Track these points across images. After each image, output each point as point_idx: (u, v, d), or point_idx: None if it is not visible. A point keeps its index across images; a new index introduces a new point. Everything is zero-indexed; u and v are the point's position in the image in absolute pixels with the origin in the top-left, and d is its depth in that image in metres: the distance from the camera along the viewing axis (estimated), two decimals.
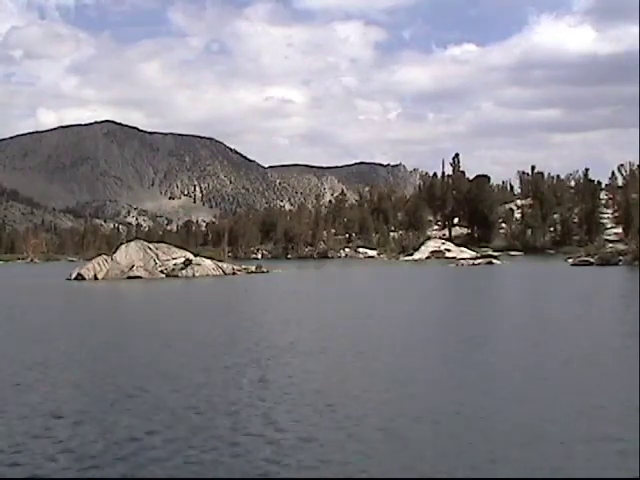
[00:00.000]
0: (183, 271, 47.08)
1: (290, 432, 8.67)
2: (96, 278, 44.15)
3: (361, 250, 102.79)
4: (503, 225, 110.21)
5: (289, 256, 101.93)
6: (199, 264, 48.72)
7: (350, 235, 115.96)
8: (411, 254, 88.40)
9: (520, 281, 43.91)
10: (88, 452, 7.99)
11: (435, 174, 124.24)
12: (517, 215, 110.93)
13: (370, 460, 7.66)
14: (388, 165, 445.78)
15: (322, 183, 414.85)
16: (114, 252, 48.71)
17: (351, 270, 62.12)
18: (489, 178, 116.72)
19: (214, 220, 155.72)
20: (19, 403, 10.39)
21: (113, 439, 8.47)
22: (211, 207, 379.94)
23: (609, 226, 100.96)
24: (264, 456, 7.79)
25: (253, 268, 53.39)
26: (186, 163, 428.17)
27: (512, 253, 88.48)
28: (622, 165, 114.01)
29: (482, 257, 75.39)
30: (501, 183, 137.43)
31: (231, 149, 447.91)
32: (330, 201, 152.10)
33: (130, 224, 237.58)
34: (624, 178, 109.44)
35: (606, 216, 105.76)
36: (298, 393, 10.83)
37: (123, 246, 49.51)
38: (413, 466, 7.49)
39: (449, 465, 7.53)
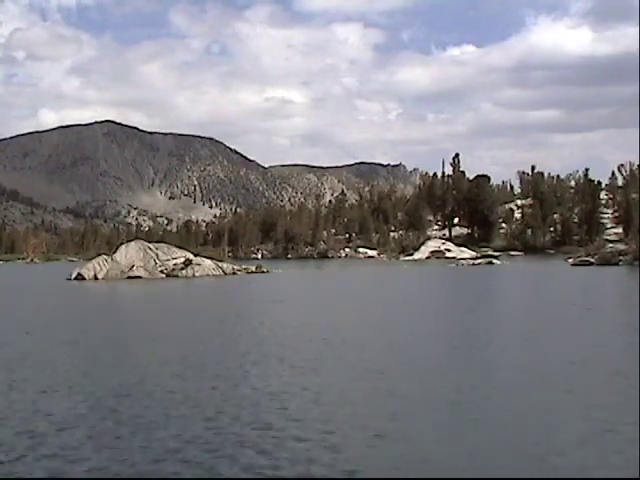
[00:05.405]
0: (183, 271, 47.05)
1: (288, 432, 8.67)
2: (96, 278, 44.13)
3: (361, 250, 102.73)
4: (503, 225, 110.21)
5: (289, 256, 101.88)
6: (199, 264, 48.68)
7: (350, 235, 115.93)
8: (411, 254, 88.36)
9: (520, 281, 43.88)
10: (88, 454, 8.00)
11: (435, 174, 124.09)
12: (517, 215, 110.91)
13: (370, 460, 7.66)
14: (388, 165, 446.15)
15: (322, 183, 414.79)
16: (114, 252, 48.68)
17: (351, 270, 62.09)
18: (489, 178, 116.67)
19: (214, 220, 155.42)
20: (21, 403, 10.40)
21: (112, 440, 8.48)
22: (211, 207, 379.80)
23: (609, 226, 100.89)
24: (265, 457, 7.80)
25: (253, 268, 53.34)
26: (186, 163, 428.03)
27: (512, 253, 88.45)
28: (622, 165, 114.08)
29: (482, 257, 75.40)
30: (501, 183, 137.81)
31: (231, 149, 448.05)
32: (330, 201, 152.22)
33: (130, 224, 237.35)
34: (624, 178, 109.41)
35: (606, 216, 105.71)
36: (299, 392, 10.83)
37: (123, 246, 49.44)
38: (414, 466, 7.50)
39: (450, 465, 7.54)
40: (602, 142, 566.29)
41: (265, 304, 28.10)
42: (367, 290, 37.43)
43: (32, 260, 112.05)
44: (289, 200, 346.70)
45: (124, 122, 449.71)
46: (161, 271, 46.74)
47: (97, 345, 16.54)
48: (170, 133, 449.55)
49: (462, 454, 7.85)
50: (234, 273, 49.95)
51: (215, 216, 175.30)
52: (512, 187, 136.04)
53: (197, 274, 47.08)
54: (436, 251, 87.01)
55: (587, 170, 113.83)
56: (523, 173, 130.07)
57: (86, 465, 7.57)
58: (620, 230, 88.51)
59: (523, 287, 38.75)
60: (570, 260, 60.38)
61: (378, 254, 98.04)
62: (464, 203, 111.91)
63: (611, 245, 69.02)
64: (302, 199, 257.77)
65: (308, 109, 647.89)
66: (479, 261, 67.70)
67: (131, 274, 45.14)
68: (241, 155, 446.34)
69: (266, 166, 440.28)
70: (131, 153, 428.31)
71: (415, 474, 7.26)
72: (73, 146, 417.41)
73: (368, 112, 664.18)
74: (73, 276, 45.00)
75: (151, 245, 50.25)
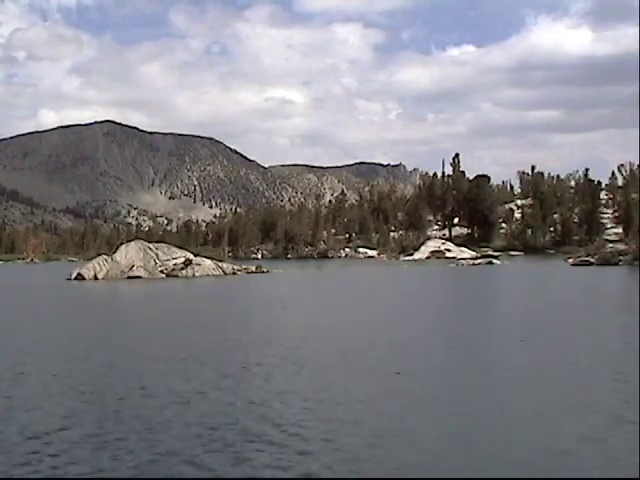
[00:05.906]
0: (183, 271, 47.05)
1: (289, 433, 8.67)
2: (96, 278, 44.14)
3: (361, 250, 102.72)
4: (503, 225, 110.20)
5: (289, 256, 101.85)
6: (199, 264, 48.69)
7: (350, 235, 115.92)
8: (411, 254, 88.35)
9: (520, 281, 43.88)
10: (88, 454, 8.00)
11: (435, 174, 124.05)
12: (517, 215, 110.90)
13: (370, 460, 7.66)
14: (388, 165, 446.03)
15: (322, 183, 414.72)
16: (114, 252, 48.70)
17: (351, 270, 62.08)
18: (489, 178, 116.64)
19: (214, 220, 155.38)
20: (22, 403, 10.40)
21: (113, 440, 8.48)
22: (211, 207, 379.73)
23: (609, 226, 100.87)
24: (266, 457, 7.80)
25: (253, 268, 53.35)
26: (186, 163, 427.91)
27: (512, 253, 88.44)
28: (622, 165, 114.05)
29: (482, 257, 75.40)
30: (501, 183, 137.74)
31: (231, 149, 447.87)
32: (330, 201, 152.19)
33: (130, 224, 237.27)
34: (624, 178, 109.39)
35: (606, 216, 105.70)
36: (298, 392, 10.84)
37: (123, 246, 49.46)
38: (414, 466, 7.50)
39: (450, 465, 7.54)
40: (602, 142, 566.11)
41: (265, 304, 28.09)
42: (367, 290, 37.42)
43: (32, 260, 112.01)
44: (289, 200, 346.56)
45: (124, 122, 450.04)
46: (161, 271, 46.75)
47: (97, 345, 16.53)
48: (170, 133, 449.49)
49: (462, 454, 7.85)
50: (234, 273, 49.96)
51: (215, 216, 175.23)
52: (512, 187, 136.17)
53: (197, 274, 47.09)
54: (436, 251, 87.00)
55: (587, 170, 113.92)
56: (523, 173, 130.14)
57: (86, 465, 7.57)
58: (620, 230, 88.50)
59: (523, 287, 38.76)
60: (570, 260, 60.39)
61: (378, 254, 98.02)
62: (464, 203, 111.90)
63: (611, 245, 69.03)
64: (302, 199, 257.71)
65: (308, 109, 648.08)
66: (479, 261, 67.71)
67: (131, 274, 45.14)
68: (241, 155, 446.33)
69: (266, 166, 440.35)
70: (131, 153, 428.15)
71: (415, 474, 7.26)
72: (73, 146, 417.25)
73: (368, 112, 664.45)
74: (73, 276, 45.01)
75: (151, 245, 50.26)
